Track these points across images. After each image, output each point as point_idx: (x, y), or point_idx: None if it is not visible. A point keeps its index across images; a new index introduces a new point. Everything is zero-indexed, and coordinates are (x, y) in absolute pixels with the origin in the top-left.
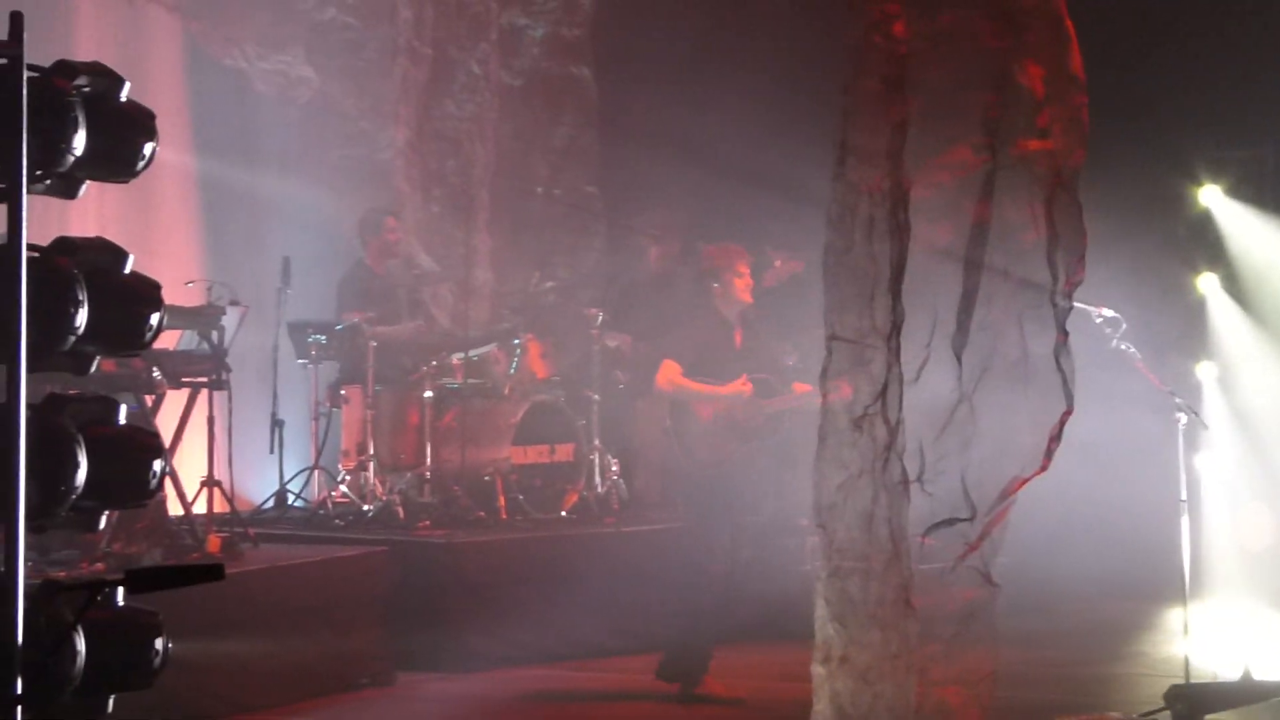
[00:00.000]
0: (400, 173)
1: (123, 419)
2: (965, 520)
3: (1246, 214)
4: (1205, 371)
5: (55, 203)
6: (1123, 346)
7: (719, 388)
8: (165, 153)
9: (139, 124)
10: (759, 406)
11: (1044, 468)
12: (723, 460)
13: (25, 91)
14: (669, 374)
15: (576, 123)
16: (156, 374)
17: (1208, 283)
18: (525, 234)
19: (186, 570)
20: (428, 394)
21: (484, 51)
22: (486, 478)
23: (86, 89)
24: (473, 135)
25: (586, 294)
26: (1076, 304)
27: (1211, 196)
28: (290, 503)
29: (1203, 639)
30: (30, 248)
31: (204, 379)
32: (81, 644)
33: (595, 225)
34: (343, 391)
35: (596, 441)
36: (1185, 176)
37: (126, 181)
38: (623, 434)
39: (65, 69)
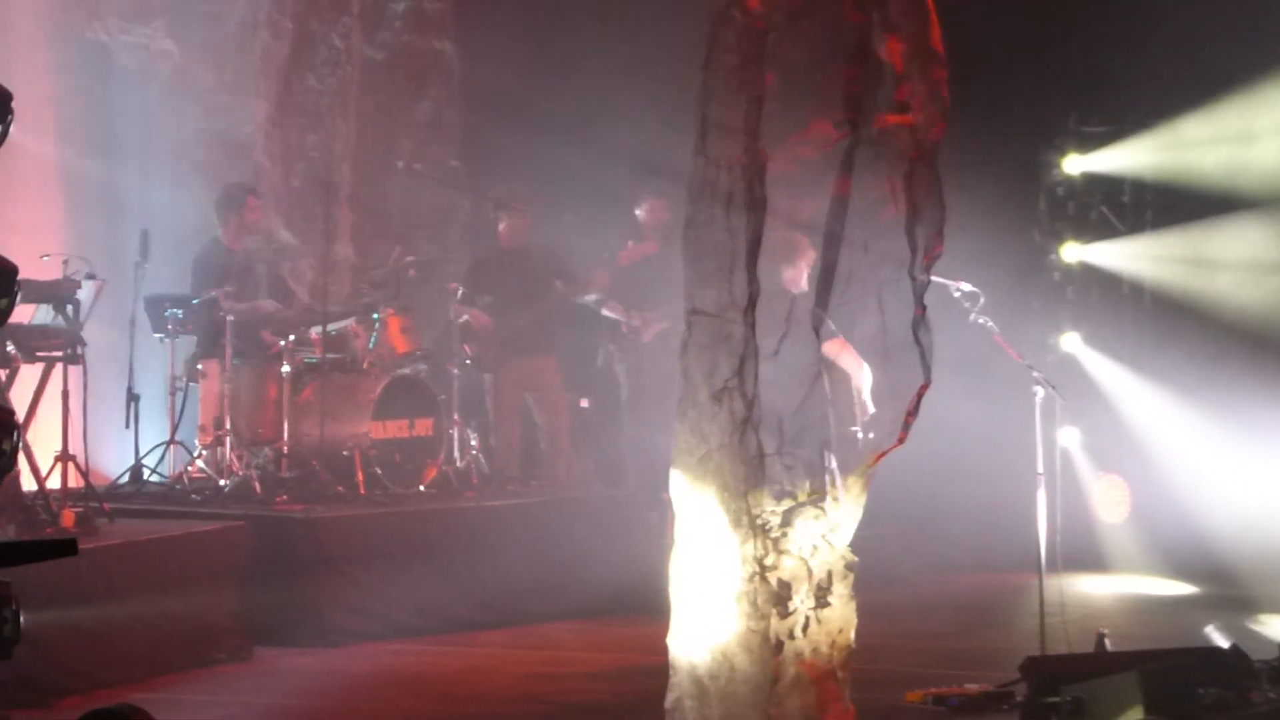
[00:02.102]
0: (261, 147)
1: None
2: (824, 492)
3: (1110, 188)
4: (1069, 343)
5: None
6: (981, 320)
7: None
8: (25, 125)
9: None
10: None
11: (901, 440)
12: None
13: None
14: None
15: (440, 97)
16: (10, 348)
17: (1072, 253)
18: (388, 208)
19: (40, 545)
20: (286, 369)
21: (346, 25)
22: (345, 452)
23: None
24: (334, 109)
25: (450, 268)
26: (935, 278)
27: (1075, 166)
28: (146, 478)
29: (1059, 611)
30: None
31: (59, 353)
32: None
33: (459, 199)
34: (200, 366)
35: (456, 416)
36: (1046, 150)
37: None
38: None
39: None
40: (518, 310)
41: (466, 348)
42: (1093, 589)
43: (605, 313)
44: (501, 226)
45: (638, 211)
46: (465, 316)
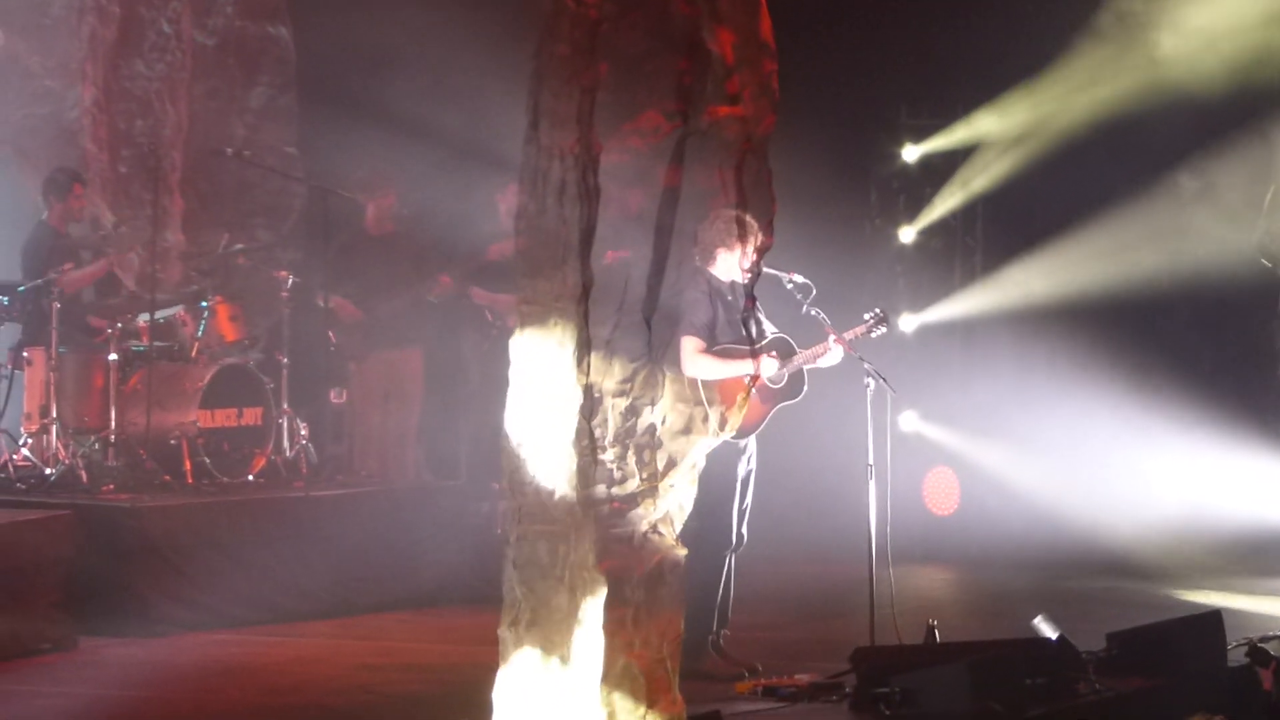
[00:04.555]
0: (88, 132)
1: None
2: (655, 484)
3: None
4: (905, 325)
5: None
6: (813, 312)
7: (743, 360)
8: None
9: None
10: (784, 367)
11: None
12: (748, 427)
13: None
14: (691, 354)
15: (275, 83)
16: None
17: (905, 235)
18: (220, 195)
19: None
20: (113, 356)
21: (175, 10)
22: (172, 441)
23: None
24: (163, 95)
25: (285, 256)
26: (766, 269)
27: (907, 157)
28: None
29: (890, 602)
30: None
31: None
32: None
33: (295, 186)
34: (25, 353)
35: (285, 405)
36: (878, 142)
37: None
38: (322, 397)
39: None
40: (383, 299)
41: (331, 335)
42: (924, 580)
43: (475, 300)
44: (369, 211)
45: (498, 198)
46: (330, 303)
